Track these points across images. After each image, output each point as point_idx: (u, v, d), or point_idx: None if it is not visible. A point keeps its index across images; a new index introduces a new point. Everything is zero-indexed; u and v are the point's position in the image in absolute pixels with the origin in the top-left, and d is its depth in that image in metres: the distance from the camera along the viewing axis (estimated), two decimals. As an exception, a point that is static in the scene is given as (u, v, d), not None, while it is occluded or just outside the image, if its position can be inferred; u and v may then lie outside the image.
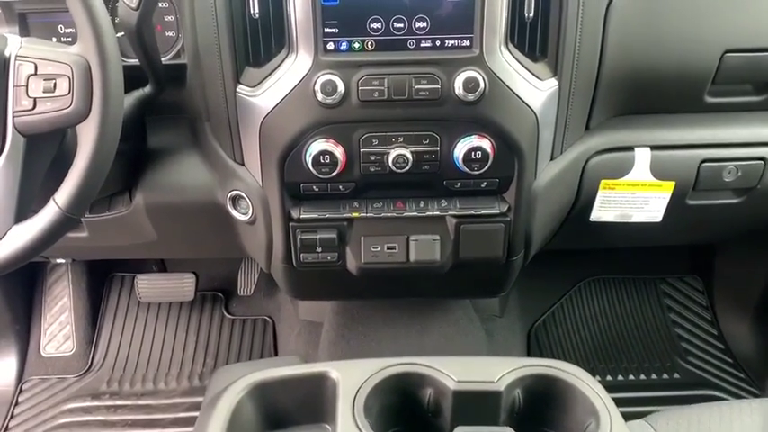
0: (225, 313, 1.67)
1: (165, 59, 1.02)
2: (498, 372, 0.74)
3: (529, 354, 1.59)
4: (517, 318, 1.60)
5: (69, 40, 1.04)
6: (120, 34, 1.01)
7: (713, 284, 1.72)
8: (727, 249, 1.66)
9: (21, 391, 1.56)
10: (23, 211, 0.75)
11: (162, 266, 1.69)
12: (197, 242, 1.23)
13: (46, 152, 0.78)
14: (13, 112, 0.72)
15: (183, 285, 1.60)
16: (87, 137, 0.71)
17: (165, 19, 1.03)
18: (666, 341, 1.66)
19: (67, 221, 0.73)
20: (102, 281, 1.69)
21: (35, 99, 0.71)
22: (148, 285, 1.61)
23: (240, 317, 1.67)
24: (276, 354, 1.58)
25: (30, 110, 0.71)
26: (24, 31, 1.03)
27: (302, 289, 1.16)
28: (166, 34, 1.04)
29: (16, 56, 0.72)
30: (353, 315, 1.40)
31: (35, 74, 0.71)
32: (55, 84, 0.70)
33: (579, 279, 1.72)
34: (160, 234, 1.14)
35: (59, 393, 1.54)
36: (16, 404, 1.53)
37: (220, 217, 1.07)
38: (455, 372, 0.74)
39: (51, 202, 0.73)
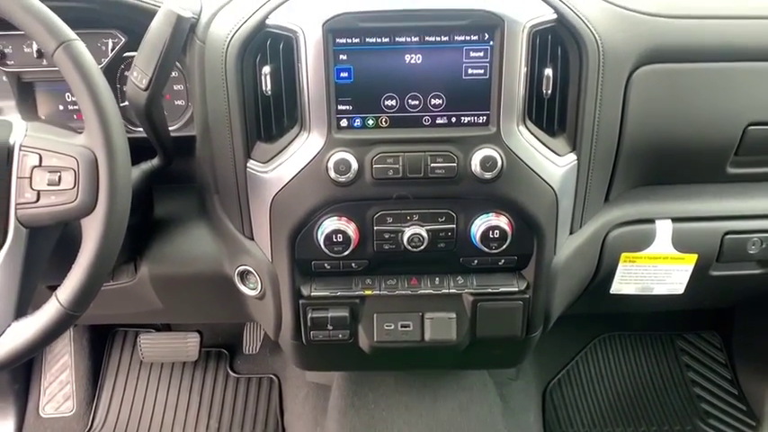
0: (230, 371, 1.63)
1: (173, 128, 1.01)
2: None
3: (544, 415, 1.54)
4: (532, 378, 1.55)
5: (76, 107, 1.03)
6: (124, 104, 1.01)
7: (732, 341, 1.67)
8: (746, 305, 1.61)
9: (18, 453, 1.51)
10: (24, 306, 0.72)
11: (165, 324, 1.65)
12: (203, 310, 1.20)
13: (47, 243, 0.75)
14: (16, 205, 0.69)
15: (187, 345, 1.56)
16: (92, 232, 0.68)
17: (175, 88, 1.02)
18: (686, 401, 1.60)
19: (69, 319, 0.70)
20: (104, 337, 1.66)
21: (39, 192, 0.68)
22: (151, 345, 1.57)
23: (245, 375, 1.63)
24: (282, 416, 1.53)
25: (33, 203, 0.68)
26: (31, 99, 1.02)
27: (311, 362, 1.12)
28: (176, 103, 1.03)
29: (21, 145, 0.70)
30: (363, 380, 1.35)
31: (39, 165, 0.68)
32: (60, 176, 0.67)
33: (594, 336, 1.68)
34: (165, 303, 1.11)
35: (58, 456, 1.50)
36: (13, 468, 1.48)
37: (228, 288, 1.04)
38: None
39: (53, 299, 0.70)
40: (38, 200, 0.68)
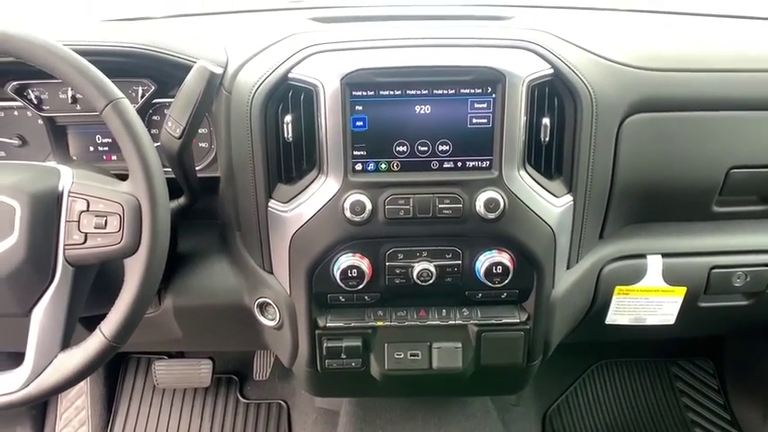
0: (240, 397, 1.68)
1: (197, 168, 1.08)
2: None
3: (544, 440, 1.59)
4: (532, 403, 1.61)
5: (106, 149, 1.11)
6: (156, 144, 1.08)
7: (724, 368, 1.73)
8: (737, 334, 1.68)
9: (34, 480, 1.56)
10: (68, 338, 0.78)
11: (179, 351, 1.71)
12: (221, 339, 1.25)
13: (88, 279, 0.81)
14: (65, 246, 0.76)
15: (200, 371, 1.62)
16: (135, 271, 0.75)
17: (200, 131, 1.10)
18: (680, 426, 1.66)
19: (112, 350, 0.76)
20: (118, 364, 1.71)
21: (86, 234, 0.75)
22: (166, 371, 1.63)
23: (255, 401, 1.68)
24: (291, 441, 1.59)
25: (80, 244, 0.75)
26: (63, 141, 1.09)
27: (324, 388, 1.18)
28: (200, 145, 1.10)
29: (69, 191, 0.77)
30: (371, 407, 1.41)
31: (87, 210, 0.75)
32: (106, 221, 0.74)
33: (591, 363, 1.74)
34: (186, 332, 1.17)
35: (73, 482, 1.54)
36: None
37: (246, 319, 1.10)
38: None
39: (98, 332, 0.76)
40: (85, 241, 0.75)
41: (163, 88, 1.04)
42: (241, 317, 1.10)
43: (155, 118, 1.08)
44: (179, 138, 0.87)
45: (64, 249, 0.76)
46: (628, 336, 1.29)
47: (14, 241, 0.74)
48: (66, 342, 0.78)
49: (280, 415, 1.65)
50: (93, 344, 0.76)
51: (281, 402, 1.68)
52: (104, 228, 0.74)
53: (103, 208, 0.74)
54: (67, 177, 0.78)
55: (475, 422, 1.38)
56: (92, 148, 1.10)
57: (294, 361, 1.10)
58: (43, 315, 0.76)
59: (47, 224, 0.75)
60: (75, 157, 1.11)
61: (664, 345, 1.74)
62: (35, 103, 1.05)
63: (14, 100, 1.06)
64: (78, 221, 0.75)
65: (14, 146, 1.09)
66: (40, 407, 1.62)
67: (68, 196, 0.76)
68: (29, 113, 1.08)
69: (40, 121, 1.08)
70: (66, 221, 0.76)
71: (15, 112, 1.08)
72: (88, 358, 0.75)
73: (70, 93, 1.05)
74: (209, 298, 1.09)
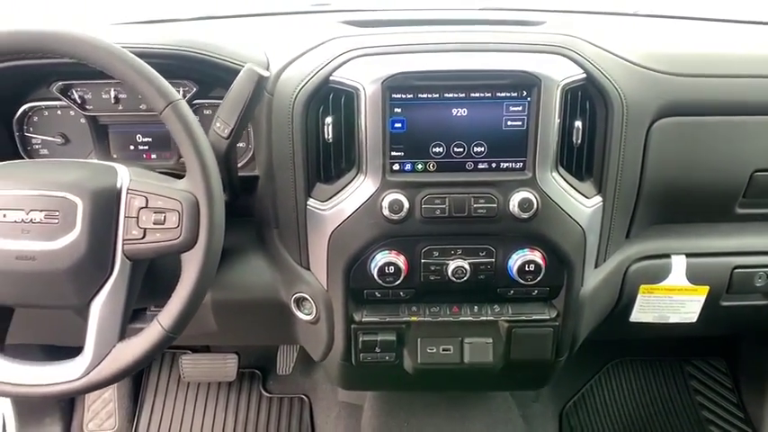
0: (262, 391, 1.71)
1: (235, 167, 1.11)
2: None
3: (561, 437, 1.62)
4: (549, 401, 1.64)
5: (146, 147, 1.14)
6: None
7: (738, 367, 1.76)
8: (751, 334, 1.71)
9: (63, 469, 1.59)
10: (124, 328, 0.81)
11: (204, 345, 1.74)
12: (253, 333, 1.28)
13: (142, 273, 0.85)
14: (123, 240, 0.79)
15: (225, 365, 1.65)
16: (192, 265, 0.78)
17: (237, 132, 1.13)
18: (694, 425, 1.69)
19: (169, 340, 0.80)
20: (144, 357, 1.74)
21: (145, 230, 0.78)
22: (192, 365, 1.66)
23: (277, 395, 1.71)
24: (314, 435, 1.62)
25: (139, 239, 0.78)
26: (105, 140, 1.13)
27: (356, 382, 1.22)
28: (238, 145, 1.13)
29: (128, 189, 0.80)
30: (395, 401, 1.44)
31: (146, 207, 0.78)
32: (165, 217, 0.77)
33: (607, 361, 1.77)
34: (220, 326, 1.20)
35: (100, 471, 1.58)
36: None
37: (281, 313, 1.13)
38: None
39: (156, 323, 0.80)
40: (144, 236, 0.78)
41: (203, 89, 1.07)
42: (276, 311, 1.14)
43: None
44: (227, 138, 0.90)
45: (123, 244, 0.79)
46: (649, 333, 1.32)
47: (76, 236, 0.77)
48: (123, 333, 0.81)
49: (302, 409, 1.68)
50: (151, 334, 0.79)
51: (303, 397, 1.71)
52: (163, 224, 0.77)
53: (162, 205, 0.78)
54: (125, 175, 0.81)
55: (497, 417, 1.41)
56: (132, 147, 1.13)
57: (327, 355, 1.14)
58: (102, 307, 0.79)
59: (106, 220, 0.79)
60: (115, 156, 1.14)
61: (678, 344, 1.77)
62: (79, 102, 1.09)
63: (58, 99, 1.09)
64: (137, 217, 0.78)
65: (57, 144, 1.12)
66: (69, 399, 1.66)
67: (127, 193, 0.79)
68: (71, 113, 1.11)
69: (83, 120, 1.11)
70: (125, 217, 0.79)
71: (59, 112, 1.11)
72: (146, 348, 0.79)
73: (113, 93, 1.08)
74: (245, 293, 1.12)
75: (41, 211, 0.77)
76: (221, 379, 1.67)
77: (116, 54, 0.77)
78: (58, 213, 0.77)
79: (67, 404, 1.66)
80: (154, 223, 0.78)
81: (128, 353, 0.79)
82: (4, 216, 0.77)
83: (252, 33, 1.34)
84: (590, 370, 1.75)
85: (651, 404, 1.73)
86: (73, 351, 0.83)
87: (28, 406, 1.58)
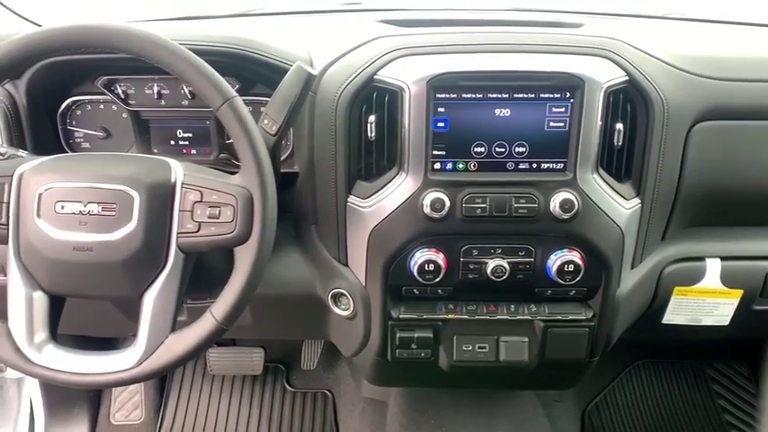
0: (286, 386, 1.73)
1: (275, 164, 1.12)
2: None
3: (584, 437, 1.63)
4: (572, 401, 1.65)
5: (186, 143, 1.15)
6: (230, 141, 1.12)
7: (760, 371, 1.76)
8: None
9: (90, 457, 1.62)
10: (176, 320, 0.83)
11: (230, 338, 1.76)
12: (286, 328, 1.30)
13: (192, 264, 0.86)
14: (178, 233, 0.81)
15: (252, 359, 1.67)
16: (245, 258, 0.79)
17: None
18: (717, 429, 1.69)
19: (221, 332, 0.81)
20: (170, 350, 1.76)
21: (200, 223, 0.79)
22: (219, 358, 1.68)
23: (301, 390, 1.73)
24: (337, 429, 1.63)
25: (194, 232, 0.80)
26: (146, 135, 1.14)
27: (389, 378, 1.23)
28: (279, 142, 1.14)
29: (182, 183, 0.81)
30: (420, 398, 1.45)
31: (201, 201, 0.80)
32: (219, 211, 0.79)
33: (629, 362, 1.77)
34: (255, 320, 1.21)
35: (127, 461, 1.60)
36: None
37: (315, 308, 1.15)
38: None
39: (208, 314, 0.81)
40: (198, 230, 0.80)
41: (246, 86, 1.08)
42: (310, 306, 1.15)
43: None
44: (274, 135, 0.91)
45: (177, 237, 0.80)
46: (678, 336, 1.32)
47: (133, 228, 0.79)
48: (174, 324, 0.83)
49: (325, 404, 1.70)
50: (203, 326, 0.81)
51: (326, 392, 1.72)
52: (218, 218, 0.79)
53: (217, 199, 0.79)
54: (179, 170, 0.83)
55: (524, 416, 1.42)
56: (172, 142, 1.15)
57: (360, 350, 1.15)
58: (156, 298, 0.81)
59: (162, 213, 0.80)
60: (155, 150, 1.16)
61: (701, 347, 1.78)
62: (122, 97, 1.10)
63: (102, 94, 1.11)
64: (192, 211, 0.80)
65: (99, 138, 1.14)
66: (97, 390, 1.68)
67: (182, 187, 0.81)
68: (114, 107, 1.13)
69: (125, 115, 1.13)
70: (179, 211, 0.80)
71: (101, 106, 1.13)
72: (199, 339, 0.80)
73: (156, 88, 1.10)
74: (282, 287, 1.13)
75: (99, 203, 0.79)
76: (247, 372, 1.69)
77: (176, 51, 0.78)
78: (115, 206, 0.79)
79: (95, 395, 1.68)
80: (209, 217, 0.79)
81: (181, 343, 0.81)
82: (63, 208, 0.79)
83: (287, 31, 1.35)
84: (612, 371, 1.76)
85: (673, 406, 1.73)
86: (104, 342, 0.85)
87: (58, 396, 1.60)
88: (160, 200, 0.80)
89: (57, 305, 0.84)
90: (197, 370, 1.74)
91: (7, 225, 0.81)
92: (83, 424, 1.63)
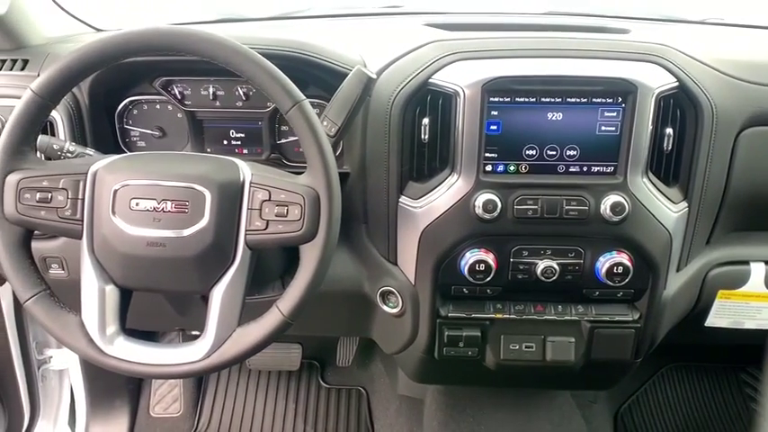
0: (321, 382, 1.76)
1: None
2: None
3: (617, 438, 1.64)
4: (605, 402, 1.66)
5: (238, 143, 1.18)
6: (281, 141, 1.15)
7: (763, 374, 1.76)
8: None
9: (130, 448, 1.66)
10: (242, 314, 0.86)
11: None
12: (329, 324, 1.32)
13: (255, 261, 0.89)
14: (246, 231, 0.83)
15: (290, 355, 1.70)
16: (311, 256, 0.82)
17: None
18: (749, 432, 1.70)
19: (287, 326, 0.84)
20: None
21: (268, 221, 0.82)
22: (258, 354, 1.70)
23: (335, 386, 1.76)
24: (372, 426, 1.65)
25: (262, 230, 0.82)
26: (200, 135, 1.17)
27: (432, 375, 1.25)
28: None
29: (251, 182, 0.84)
30: (459, 395, 1.47)
31: (269, 200, 0.82)
32: (287, 209, 0.81)
33: (662, 365, 1.78)
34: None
35: (167, 453, 1.64)
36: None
37: (362, 306, 1.17)
38: None
39: (275, 309, 0.84)
40: (266, 228, 0.82)
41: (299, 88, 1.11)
42: (356, 304, 1.17)
43: None
44: (333, 137, 0.93)
45: (245, 234, 0.83)
46: (719, 339, 1.33)
47: (204, 225, 0.82)
48: (241, 318, 0.85)
49: (360, 401, 1.72)
50: (270, 320, 0.83)
51: (361, 389, 1.75)
52: (286, 216, 0.81)
53: (285, 198, 0.82)
54: (246, 169, 0.86)
55: (561, 416, 1.44)
56: (225, 142, 1.17)
57: (405, 348, 1.17)
58: (224, 293, 0.84)
59: (231, 211, 0.83)
60: (208, 150, 1.19)
61: (733, 351, 1.78)
62: (179, 98, 1.13)
63: (158, 94, 1.14)
64: (260, 209, 0.82)
65: (155, 137, 1.18)
66: (137, 383, 1.72)
67: (250, 186, 0.84)
68: (169, 107, 1.16)
69: (180, 115, 1.16)
70: (248, 209, 0.83)
71: (157, 106, 1.16)
72: (266, 332, 0.83)
73: (211, 89, 1.13)
74: (329, 285, 1.14)
75: (172, 201, 0.82)
76: (285, 368, 1.72)
77: (248, 55, 0.81)
78: (187, 203, 0.82)
79: (135, 387, 1.72)
80: (276, 215, 0.82)
81: (249, 337, 0.83)
82: (137, 205, 0.82)
83: (333, 35, 1.38)
84: (645, 373, 1.76)
85: (705, 410, 1.74)
86: (145, 336, 0.88)
87: (101, 389, 1.64)
88: (230, 198, 0.83)
89: (126, 299, 0.87)
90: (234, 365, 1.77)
91: (82, 221, 0.84)
92: (123, 416, 1.67)
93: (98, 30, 1.37)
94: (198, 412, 1.72)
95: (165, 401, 1.72)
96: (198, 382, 1.75)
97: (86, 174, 0.84)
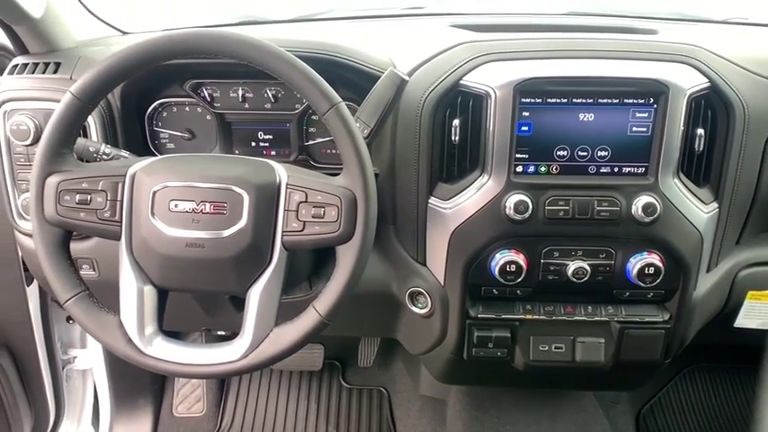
0: (343, 382, 1.77)
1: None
2: None
3: (640, 439, 1.64)
4: (627, 404, 1.66)
5: (266, 144, 1.19)
6: (309, 143, 1.16)
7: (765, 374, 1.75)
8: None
9: (154, 447, 1.67)
10: (277, 314, 0.86)
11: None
12: (356, 325, 1.33)
13: (290, 261, 0.89)
14: (283, 232, 0.84)
15: (312, 355, 1.70)
16: (348, 257, 0.83)
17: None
18: (772, 434, 1.69)
19: (323, 326, 0.85)
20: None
21: (305, 222, 0.83)
22: (281, 354, 1.72)
23: (357, 386, 1.76)
24: (394, 426, 1.66)
25: (299, 231, 0.83)
26: (229, 137, 1.18)
27: (460, 376, 1.25)
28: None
29: (287, 184, 0.85)
30: (482, 396, 1.47)
31: (305, 201, 0.83)
32: (324, 211, 0.82)
33: (684, 366, 1.78)
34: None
35: (189, 453, 1.65)
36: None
37: (389, 306, 1.18)
38: None
39: (311, 309, 0.84)
40: (303, 229, 0.83)
41: None
42: (384, 304, 1.18)
43: (314, 117, 1.16)
44: (366, 138, 0.94)
45: (282, 235, 0.84)
46: (748, 340, 1.33)
47: (242, 226, 0.83)
48: (277, 318, 0.86)
49: (381, 401, 1.73)
50: (307, 320, 0.84)
51: (382, 389, 1.75)
52: (322, 217, 0.82)
53: (321, 199, 0.82)
54: (282, 171, 0.86)
55: (586, 417, 1.44)
56: (253, 144, 1.18)
57: (433, 349, 1.18)
58: (261, 293, 0.84)
59: (268, 212, 0.84)
60: (236, 151, 1.20)
61: (755, 352, 1.77)
62: (208, 100, 1.14)
63: (188, 97, 1.15)
64: (297, 211, 0.83)
65: (184, 138, 1.19)
66: (161, 382, 1.73)
67: (287, 188, 0.84)
68: (198, 109, 1.17)
69: (209, 117, 1.17)
70: (284, 210, 0.84)
71: (186, 108, 1.17)
72: (303, 332, 0.84)
73: (240, 92, 1.13)
74: (357, 285, 1.17)
75: (211, 202, 0.82)
76: (308, 368, 1.73)
77: (284, 58, 0.82)
78: (226, 205, 0.82)
79: (158, 387, 1.73)
80: (313, 217, 0.82)
81: (286, 336, 0.84)
82: (176, 206, 0.83)
83: (358, 36, 1.38)
84: (667, 374, 1.76)
85: (727, 411, 1.73)
86: (174, 336, 0.88)
87: (124, 388, 1.65)
88: (267, 200, 0.84)
89: (163, 299, 0.88)
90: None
91: (120, 222, 0.85)
92: (147, 416, 1.69)
93: (124, 33, 1.39)
94: (221, 412, 1.73)
95: (188, 401, 1.73)
96: (221, 382, 1.76)
97: (125, 176, 0.85)
